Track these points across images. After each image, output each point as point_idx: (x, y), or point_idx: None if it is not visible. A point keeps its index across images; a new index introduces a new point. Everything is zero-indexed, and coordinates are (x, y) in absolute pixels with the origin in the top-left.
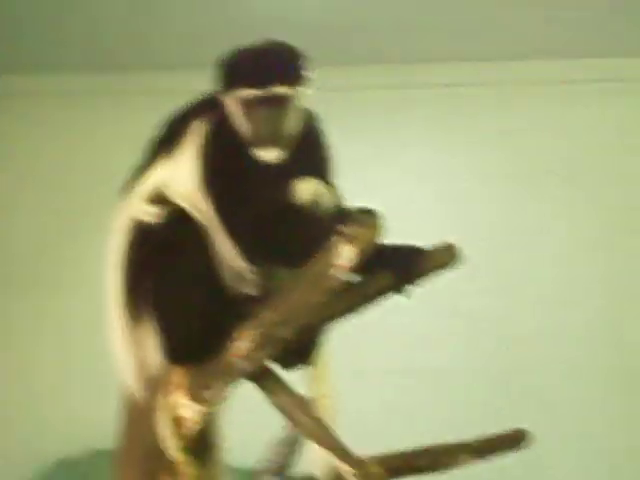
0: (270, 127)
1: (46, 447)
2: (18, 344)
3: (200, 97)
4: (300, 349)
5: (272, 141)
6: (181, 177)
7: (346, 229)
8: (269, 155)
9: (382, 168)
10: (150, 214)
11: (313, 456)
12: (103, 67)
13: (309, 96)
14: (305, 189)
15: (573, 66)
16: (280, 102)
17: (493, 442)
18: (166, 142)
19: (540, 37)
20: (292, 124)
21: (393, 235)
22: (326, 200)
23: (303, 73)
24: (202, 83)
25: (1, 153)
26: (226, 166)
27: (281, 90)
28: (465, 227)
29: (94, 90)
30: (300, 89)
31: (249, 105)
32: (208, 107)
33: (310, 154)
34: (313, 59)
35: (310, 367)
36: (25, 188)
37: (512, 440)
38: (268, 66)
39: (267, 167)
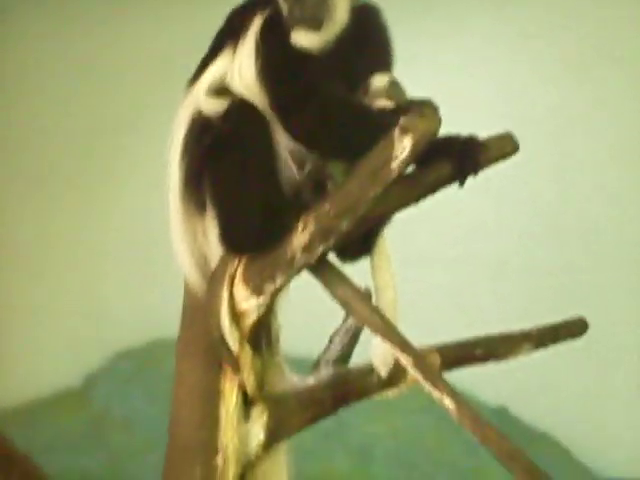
0: (309, 7)
1: (108, 337)
2: (83, 239)
3: None
4: (359, 241)
5: (311, 24)
6: (241, 70)
7: (404, 120)
8: (307, 40)
9: (441, 57)
10: (212, 106)
11: (373, 348)
12: None
13: None
14: (379, 83)
15: None
16: None
17: (553, 331)
18: (227, 36)
19: None
20: (338, 10)
21: (451, 125)
22: (398, 95)
23: None
24: None
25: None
26: (282, 59)
27: None
28: (524, 115)
29: None
30: None
31: None
32: (266, 1)
33: (370, 46)
34: None
35: (369, 259)
36: (83, 81)
37: (572, 328)
38: None
39: (324, 60)
